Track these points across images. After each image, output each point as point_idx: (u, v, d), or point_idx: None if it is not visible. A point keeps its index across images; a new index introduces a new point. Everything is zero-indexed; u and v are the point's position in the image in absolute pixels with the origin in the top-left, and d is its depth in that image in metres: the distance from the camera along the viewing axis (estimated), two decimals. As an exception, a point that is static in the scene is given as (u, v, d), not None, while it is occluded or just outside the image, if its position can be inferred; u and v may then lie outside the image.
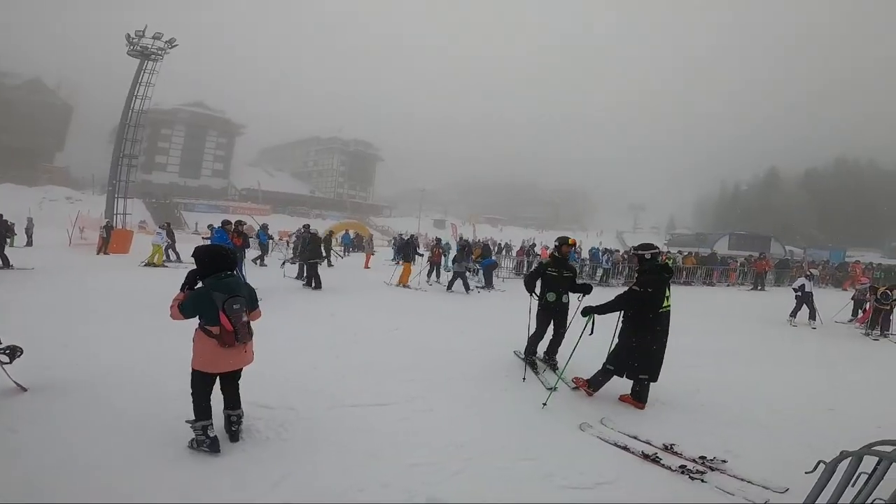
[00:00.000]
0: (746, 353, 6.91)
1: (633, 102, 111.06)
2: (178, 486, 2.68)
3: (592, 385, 4.42)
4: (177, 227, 41.74)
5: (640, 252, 4.47)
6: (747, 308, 12.36)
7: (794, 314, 10.19)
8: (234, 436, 3.19)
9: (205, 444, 3.01)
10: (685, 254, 21.91)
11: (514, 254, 21.23)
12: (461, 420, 3.81)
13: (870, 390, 5.30)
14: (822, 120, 77.94)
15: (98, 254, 15.46)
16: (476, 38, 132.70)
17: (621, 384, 4.39)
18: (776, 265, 22.41)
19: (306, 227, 13.79)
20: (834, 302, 11.23)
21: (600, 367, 4.42)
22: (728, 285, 19.58)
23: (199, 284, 3.13)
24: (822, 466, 2.08)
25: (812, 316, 10.00)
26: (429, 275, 13.36)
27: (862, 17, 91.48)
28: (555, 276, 5.20)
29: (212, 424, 3.05)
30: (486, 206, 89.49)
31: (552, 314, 5.19)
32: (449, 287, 12.12)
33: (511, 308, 9.71)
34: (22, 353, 3.84)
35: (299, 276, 12.19)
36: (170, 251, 15.04)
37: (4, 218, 12.72)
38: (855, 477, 1.99)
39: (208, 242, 5.90)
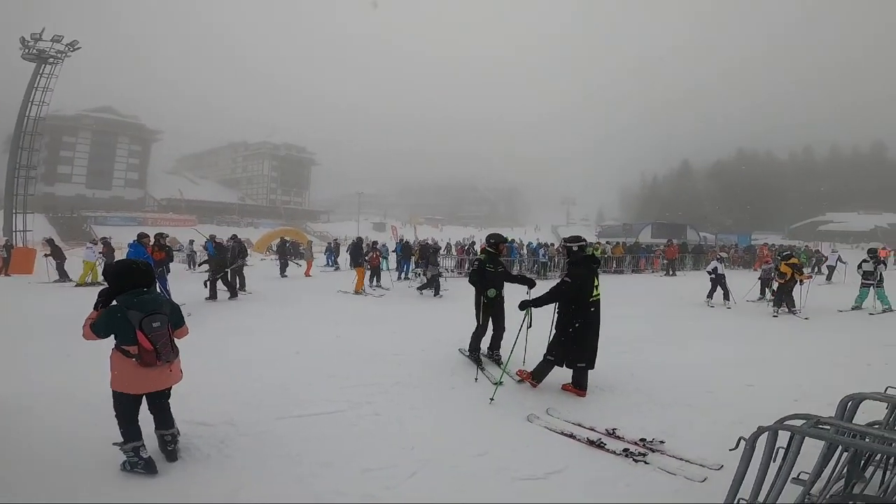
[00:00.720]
0: (671, 335, 7.42)
1: (560, 103, 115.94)
2: None
3: (536, 377, 4.55)
4: (84, 241, 38.13)
5: (568, 244, 4.70)
6: (669, 293, 13.32)
7: (710, 296, 11.10)
8: (170, 455, 3.01)
9: (139, 465, 2.83)
10: (614, 244, 23.21)
11: (454, 252, 21.43)
12: (411, 422, 3.79)
13: (784, 365, 5.74)
14: (725, 115, 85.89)
15: (-1, 274, 13.76)
16: (410, 38, 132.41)
17: (563, 374, 4.55)
18: (692, 250, 24.30)
19: (234, 236, 13.18)
20: (745, 282, 12.32)
21: (542, 358, 4.55)
22: (652, 272, 20.98)
23: (114, 302, 2.89)
24: (742, 443, 2.19)
25: (726, 296, 10.94)
26: (371, 279, 13.18)
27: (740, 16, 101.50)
28: (493, 273, 5.29)
29: (143, 445, 2.87)
30: (426, 208, 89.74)
31: (493, 310, 5.28)
32: (425, 289, 12.15)
33: (454, 307, 9.85)
34: None
35: (230, 289, 11.55)
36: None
37: None
38: (774, 452, 2.13)
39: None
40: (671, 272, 19.53)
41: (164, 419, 3.03)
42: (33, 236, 21.54)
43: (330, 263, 21.01)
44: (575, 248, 4.60)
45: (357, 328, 7.47)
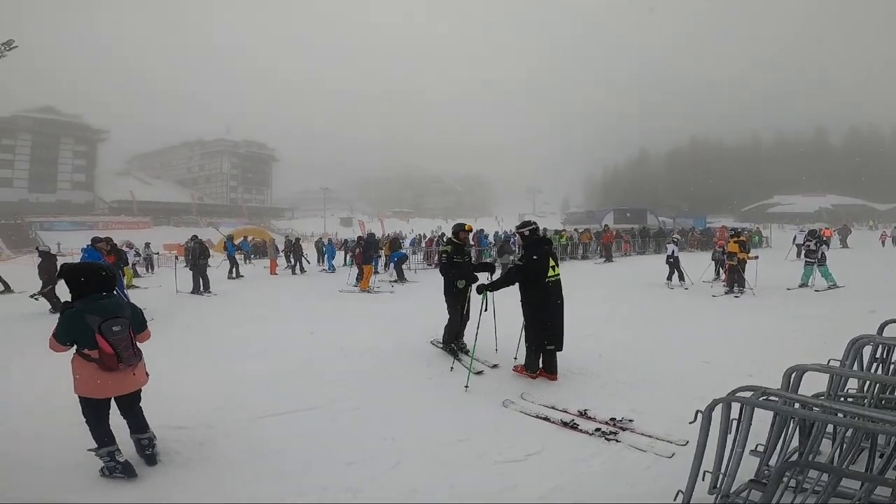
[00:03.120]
0: (635, 317, 7.75)
1: (521, 90, 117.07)
2: None
3: (529, 368, 4.66)
4: (31, 248, 35.87)
5: (520, 230, 4.90)
6: (633, 275, 13.81)
7: (669, 278, 11.59)
8: (150, 459, 2.98)
9: (117, 469, 2.80)
10: (581, 230, 23.69)
11: (423, 244, 21.44)
12: (389, 414, 3.84)
13: (737, 341, 6.02)
14: (677, 103, 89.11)
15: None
16: (369, 24, 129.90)
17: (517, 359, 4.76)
18: (654, 234, 25.21)
19: (194, 237, 12.83)
20: (701, 264, 12.92)
21: (524, 349, 4.70)
22: (624, 255, 21.50)
23: (72, 307, 2.81)
24: (700, 416, 2.32)
25: (681, 277, 11.45)
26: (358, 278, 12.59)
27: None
28: (460, 263, 5.39)
29: (118, 449, 2.83)
30: (393, 201, 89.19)
31: (464, 300, 5.37)
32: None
33: (426, 299, 9.89)
34: None
35: (195, 290, 11.24)
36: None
37: None
38: (730, 423, 2.28)
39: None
40: (607, 258, 19.14)
41: (137, 423, 2.99)
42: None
43: (329, 267, 17.38)
44: (526, 233, 4.79)
45: (328, 324, 7.43)
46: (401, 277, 13.19)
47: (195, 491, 2.72)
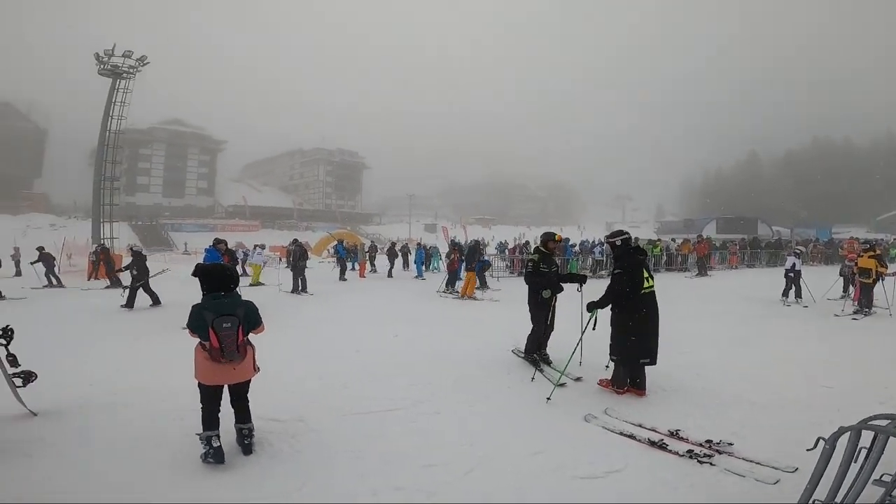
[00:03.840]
0: (743, 335, 7.01)
1: (610, 94, 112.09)
2: (191, 499, 2.71)
3: (616, 383, 4.44)
4: (166, 247, 41.30)
5: (611, 240, 4.63)
6: (739, 290, 12.53)
7: (785, 293, 10.35)
8: (246, 449, 3.23)
9: (209, 454, 3.06)
10: (680, 241, 21.91)
11: (506, 252, 21.30)
12: (468, 420, 3.84)
13: (866, 366, 5.34)
14: (794, 103, 79.40)
15: (89, 279, 15.30)
16: (454, 39, 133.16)
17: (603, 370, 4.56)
18: (766, 245, 22.66)
19: (295, 240, 13.93)
20: (825, 279, 11.39)
21: (609, 362, 4.48)
22: (732, 268, 19.59)
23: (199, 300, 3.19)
24: (822, 443, 2.10)
25: (798, 294, 10.16)
26: (449, 284, 12.62)
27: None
28: (547, 273, 5.26)
29: (216, 435, 3.09)
30: (476, 207, 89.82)
31: (548, 311, 5.25)
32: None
33: (507, 307, 9.83)
34: (36, 377, 3.82)
35: (294, 290, 12.23)
36: (51, 276, 14.17)
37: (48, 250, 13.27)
38: (856, 453, 2.02)
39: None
40: (703, 272, 17.36)
41: (241, 414, 3.26)
42: (119, 243, 23.75)
43: (418, 273, 17.19)
44: (618, 243, 4.53)
45: (412, 328, 7.63)
46: (483, 285, 13.24)
47: (281, 484, 2.89)
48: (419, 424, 3.76)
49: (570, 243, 19.62)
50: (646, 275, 4.35)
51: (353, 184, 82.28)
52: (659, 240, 23.73)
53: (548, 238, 5.45)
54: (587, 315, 4.47)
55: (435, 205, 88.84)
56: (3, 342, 3.60)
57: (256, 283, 13.94)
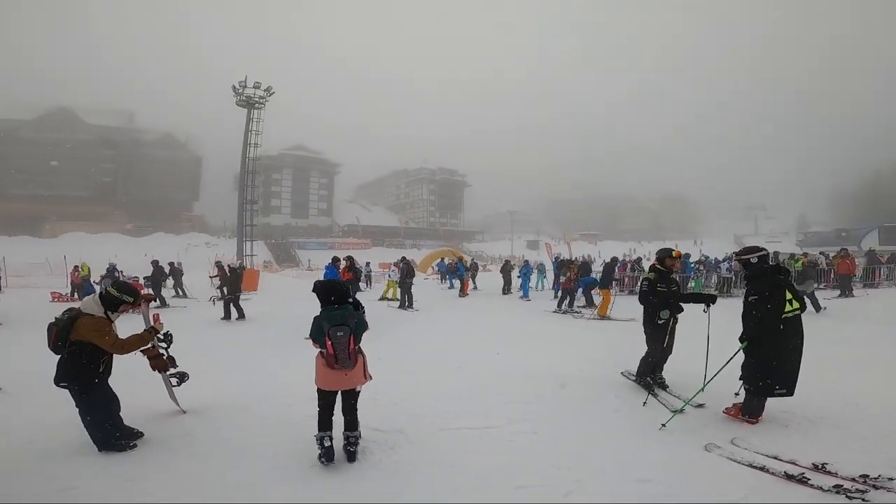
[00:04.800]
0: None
1: (737, 101, 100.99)
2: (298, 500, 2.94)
3: (748, 412, 3.96)
4: (292, 263, 45.95)
5: (743, 257, 4.12)
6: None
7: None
8: (350, 456, 3.45)
9: (321, 454, 3.36)
10: (833, 254, 18.36)
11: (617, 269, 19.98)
12: (568, 442, 3.71)
13: None
14: None
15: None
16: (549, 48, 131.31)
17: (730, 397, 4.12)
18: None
19: (403, 258, 14.57)
20: None
21: (740, 389, 4.05)
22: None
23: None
24: None
25: None
26: (562, 303, 12.29)
27: None
28: (665, 292, 4.86)
29: (329, 436, 3.38)
30: (580, 223, 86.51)
31: (664, 332, 4.85)
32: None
33: (614, 327, 9.24)
34: (188, 378, 4.43)
35: (401, 305, 12.80)
36: (178, 288, 15.88)
37: (161, 264, 15.22)
38: None
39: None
40: (847, 292, 13.87)
41: (349, 421, 3.49)
42: (257, 259, 27.06)
43: (524, 293, 15.71)
44: (754, 260, 4.01)
45: (515, 347, 7.57)
46: (590, 303, 12.62)
47: (379, 491, 3.03)
48: (516, 443, 3.72)
49: (689, 259, 17.82)
50: (789, 296, 3.81)
51: (454, 202, 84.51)
52: (804, 254, 20.38)
53: (665, 255, 5.05)
54: (735, 345, 4.01)
55: (537, 221, 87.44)
56: (164, 345, 4.25)
57: (385, 298, 14.72)
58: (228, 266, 12.43)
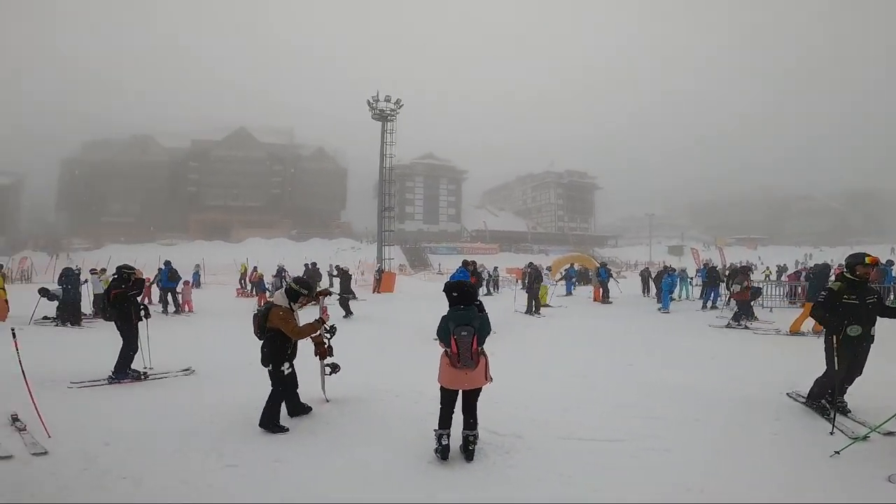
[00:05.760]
0: None
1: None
2: (408, 494, 3.11)
3: None
4: (424, 267, 48.62)
5: None
6: None
7: None
8: (468, 455, 3.55)
9: (437, 450, 3.55)
10: None
11: (784, 278, 17.19)
12: (707, 463, 3.41)
13: None
14: None
15: (373, 292, 19.40)
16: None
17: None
18: None
19: (531, 263, 14.48)
20: None
21: None
22: None
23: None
24: None
25: None
26: (739, 317, 10.43)
27: None
28: (855, 305, 4.12)
29: (447, 434, 3.55)
30: (733, 226, 75.93)
31: (854, 351, 4.14)
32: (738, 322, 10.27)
33: (773, 341, 7.99)
34: (339, 370, 4.91)
35: (528, 311, 12.70)
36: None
37: (318, 267, 17.66)
38: None
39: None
40: None
41: (469, 421, 3.59)
42: (394, 264, 29.30)
43: (664, 305, 13.74)
44: None
45: (651, 359, 7.12)
46: (748, 315, 11.01)
47: (492, 493, 3.06)
48: (641, 460, 3.52)
49: (891, 266, 14.39)
50: None
51: (584, 205, 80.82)
52: None
53: (856, 261, 4.31)
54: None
55: (681, 225, 79.02)
56: (329, 336, 4.86)
57: (544, 304, 14.13)
58: (338, 268, 14.16)
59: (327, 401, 4.87)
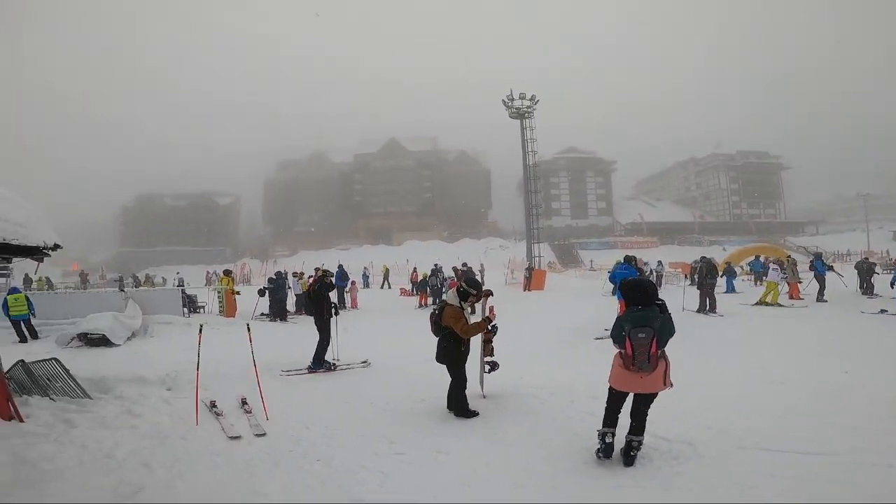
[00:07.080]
0: None
1: None
2: (565, 493, 3.10)
3: None
4: (575, 264, 46.89)
5: None
6: None
7: None
8: (628, 461, 3.39)
9: (600, 449, 3.46)
10: None
11: None
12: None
13: None
14: None
15: (524, 291, 19.33)
16: None
17: None
18: None
19: (703, 257, 12.98)
20: None
21: None
22: None
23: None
24: None
25: None
26: None
27: None
28: None
29: (611, 433, 3.44)
30: None
31: None
32: None
33: None
34: (498, 368, 5.06)
35: (700, 309, 11.26)
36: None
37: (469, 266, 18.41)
38: None
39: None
40: None
41: (636, 425, 3.42)
42: (543, 261, 28.79)
43: None
44: None
45: (875, 367, 5.87)
46: None
47: (650, 498, 2.93)
48: (855, 476, 3.03)
49: None
50: None
51: (767, 188, 68.34)
52: None
53: None
54: None
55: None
56: (492, 334, 4.98)
57: (762, 303, 12.54)
58: (457, 269, 15.15)
59: (484, 397, 5.01)
